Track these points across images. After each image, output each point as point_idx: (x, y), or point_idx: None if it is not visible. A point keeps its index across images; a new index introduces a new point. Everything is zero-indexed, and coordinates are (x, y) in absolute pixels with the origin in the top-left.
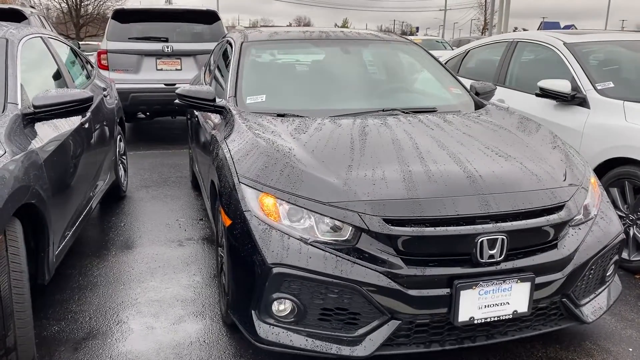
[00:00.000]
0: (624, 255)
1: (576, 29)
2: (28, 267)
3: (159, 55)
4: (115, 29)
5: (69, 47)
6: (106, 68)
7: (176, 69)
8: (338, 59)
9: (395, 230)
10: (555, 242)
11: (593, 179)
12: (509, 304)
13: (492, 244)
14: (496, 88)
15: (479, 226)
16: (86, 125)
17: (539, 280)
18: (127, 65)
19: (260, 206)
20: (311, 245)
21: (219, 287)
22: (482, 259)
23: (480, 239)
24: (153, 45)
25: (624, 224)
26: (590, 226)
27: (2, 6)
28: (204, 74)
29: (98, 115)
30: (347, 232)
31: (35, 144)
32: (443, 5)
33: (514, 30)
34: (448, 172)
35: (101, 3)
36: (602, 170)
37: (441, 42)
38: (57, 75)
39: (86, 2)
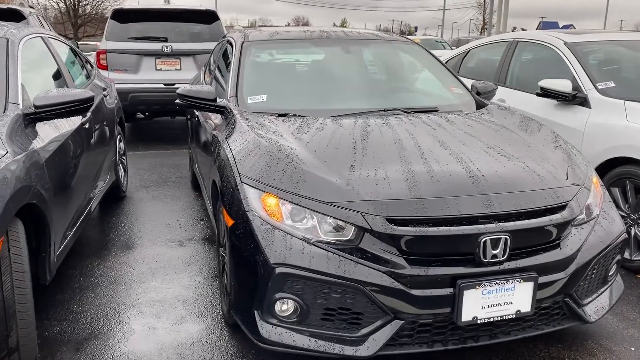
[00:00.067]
0: (625, 254)
1: (575, 28)
2: (29, 268)
3: (158, 55)
4: (115, 28)
5: (68, 47)
6: (105, 68)
7: (175, 69)
8: (339, 59)
9: (398, 230)
10: (558, 241)
11: (595, 178)
12: (512, 303)
13: (495, 243)
14: (497, 88)
15: (482, 226)
16: (87, 126)
17: (542, 279)
18: (127, 65)
19: (263, 206)
20: (314, 245)
21: (220, 288)
22: (485, 259)
23: (484, 239)
24: (152, 45)
25: (625, 224)
26: (592, 226)
27: (1, 6)
28: (204, 74)
29: (98, 115)
30: (349, 232)
31: (37, 144)
32: (441, 5)
33: (513, 30)
34: (451, 171)
35: (99, 3)
36: (603, 169)
37: (440, 42)
38: (58, 75)
39: (84, 2)
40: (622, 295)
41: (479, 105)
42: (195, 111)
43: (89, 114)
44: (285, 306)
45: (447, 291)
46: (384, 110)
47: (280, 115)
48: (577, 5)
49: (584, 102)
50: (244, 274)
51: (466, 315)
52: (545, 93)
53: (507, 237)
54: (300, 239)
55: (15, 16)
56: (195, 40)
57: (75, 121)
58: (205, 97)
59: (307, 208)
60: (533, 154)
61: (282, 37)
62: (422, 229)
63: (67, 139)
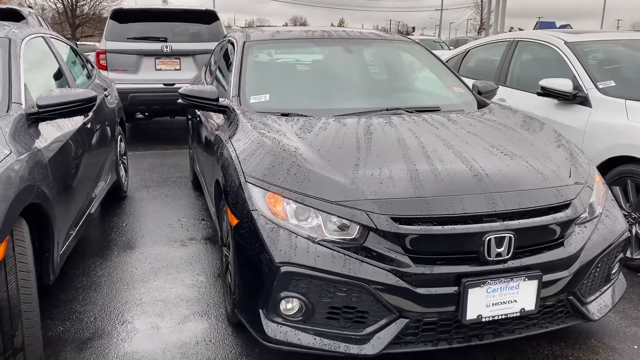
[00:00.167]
0: (627, 253)
1: (572, 28)
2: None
3: (157, 55)
4: (114, 29)
5: (69, 47)
6: (105, 68)
7: (175, 69)
8: (341, 59)
9: (403, 228)
10: (561, 240)
11: (597, 177)
12: (516, 301)
13: (499, 242)
14: (498, 87)
15: (487, 224)
16: (88, 125)
17: (546, 278)
18: (126, 65)
19: (267, 205)
20: (319, 244)
21: (224, 287)
22: (490, 257)
23: (488, 237)
24: (152, 45)
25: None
26: (595, 224)
27: (0, 6)
28: (204, 74)
29: (99, 115)
30: (354, 231)
31: (40, 143)
32: (439, 5)
33: (510, 30)
34: (454, 170)
35: (97, 3)
36: (604, 169)
37: (438, 42)
38: (60, 75)
39: (82, 3)
40: (624, 294)
41: (481, 105)
42: (196, 111)
43: (90, 114)
44: (290, 305)
45: (452, 289)
46: (387, 109)
47: (283, 114)
48: (574, 5)
49: (584, 101)
50: (249, 273)
51: (471, 314)
52: (546, 92)
53: (512, 235)
54: (305, 238)
55: (14, 16)
56: (195, 40)
57: (77, 121)
58: (208, 97)
59: (312, 207)
60: (536, 153)
61: (284, 36)
62: (426, 227)
63: (69, 139)
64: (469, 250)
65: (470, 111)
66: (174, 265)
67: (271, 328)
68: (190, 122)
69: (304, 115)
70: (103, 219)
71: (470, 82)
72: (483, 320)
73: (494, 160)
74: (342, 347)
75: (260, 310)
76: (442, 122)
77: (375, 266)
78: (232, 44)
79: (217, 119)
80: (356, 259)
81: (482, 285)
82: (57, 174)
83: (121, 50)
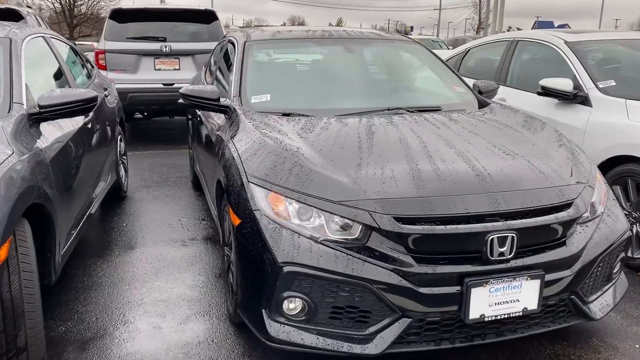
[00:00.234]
0: (627, 252)
1: (570, 27)
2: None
3: (157, 55)
4: (113, 28)
5: (69, 47)
6: (104, 68)
7: (174, 69)
8: (342, 58)
9: (406, 228)
10: (563, 239)
11: (599, 176)
12: (519, 301)
13: (502, 241)
14: (499, 87)
15: (489, 224)
16: (89, 126)
17: (549, 277)
18: (125, 65)
19: (270, 205)
20: (321, 244)
21: (225, 287)
22: (493, 257)
23: (491, 237)
24: (151, 45)
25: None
26: (597, 223)
27: None
28: (204, 74)
29: (100, 115)
30: (357, 231)
31: (41, 143)
32: (437, 4)
33: (508, 29)
34: (457, 170)
35: (95, 3)
36: (605, 168)
37: (437, 42)
38: (61, 75)
39: (79, 2)
40: (626, 293)
41: (481, 104)
42: (197, 111)
43: (91, 114)
44: (293, 305)
45: (455, 289)
46: (388, 109)
47: (285, 114)
48: (572, 5)
49: (585, 101)
50: (252, 273)
51: (474, 313)
52: (546, 92)
53: (514, 235)
54: (308, 238)
55: (13, 16)
56: (194, 40)
57: (78, 121)
58: (209, 97)
59: (314, 207)
60: (537, 153)
61: (284, 36)
62: (429, 227)
63: (70, 139)
64: (471, 250)
65: (472, 111)
66: (175, 265)
67: (274, 328)
68: (190, 122)
69: (305, 115)
70: (103, 219)
71: (470, 81)
72: (486, 319)
73: (496, 160)
74: (345, 347)
75: (263, 310)
76: (444, 121)
77: (378, 266)
78: (233, 43)
79: (218, 119)
80: (359, 258)
81: (484, 284)
82: (58, 174)
83: (120, 50)
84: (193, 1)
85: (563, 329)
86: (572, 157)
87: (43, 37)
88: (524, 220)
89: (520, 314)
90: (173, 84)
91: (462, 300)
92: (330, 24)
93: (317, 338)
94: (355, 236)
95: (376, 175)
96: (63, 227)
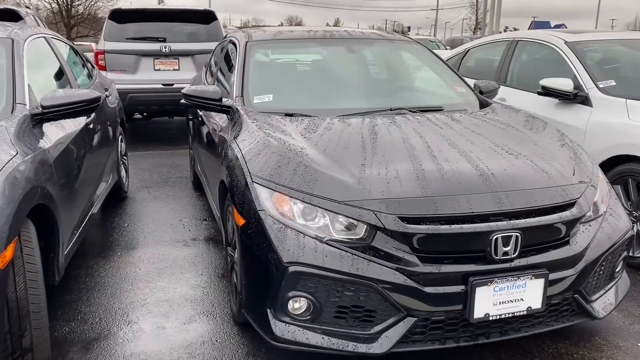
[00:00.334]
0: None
1: (566, 28)
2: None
3: (156, 55)
4: (113, 29)
5: (69, 47)
6: (104, 68)
7: (174, 69)
8: (343, 59)
9: (410, 228)
10: (567, 238)
11: (601, 175)
12: (523, 300)
13: (506, 241)
14: (499, 87)
15: (493, 223)
16: (91, 126)
17: (552, 276)
18: (125, 66)
19: (275, 205)
20: (326, 243)
21: (228, 287)
22: (497, 256)
23: (495, 236)
24: (151, 46)
25: None
26: (600, 223)
27: None
28: (205, 74)
29: (101, 115)
30: (361, 231)
31: (45, 144)
32: (434, 4)
33: (505, 30)
34: (460, 170)
35: (92, 3)
36: (605, 168)
37: (435, 42)
38: (63, 76)
39: (77, 3)
40: (628, 292)
41: (483, 104)
42: (198, 111)
43: (93, 115)
44: (298, 304)
45: (459, 288)
46: (390, 109)
47: (287, 114)
48: (569, 5)
49: (585, 100)
50: (256, 272)
51: (478, 312)
52: (547, 92)
53: (518, 234)
54: (313, 238)
55: (12, 16)
56: (194, 40)
57: (80, 122)
58: (211, 97)
59: (319, 207)
60: (540, 152)
61: (286, 36)
62: (434, 226)
63: (73, 140)
64: (476, 249)
65: (473, 111)
66: (177, 265)
67: (279, 327)
68: (191, 122)
69: (308, 116)
70: (105, 220)
71: (470, 81)
72: (490, 318)
73: (499, 160)
74: (350, 346)
75: (268, 310)
76: (446, 121)
77: (383, 265)
78: (234, 44)
79: (220, 119)
80: (364, 258)
81: (489, 284)
82: (61, 175)
83: (120, 51)
84: (191, 1)
85: (566, 327)
86: (574, 156)
87: (44, 37)
88: (527, 220)
89: (525, 313)
90: (173, 84)
91: (467, 299)
92: (327, 24)
93: (322, 337)
94: (360, 236)
95: (380, 175)
96: (66, 227)
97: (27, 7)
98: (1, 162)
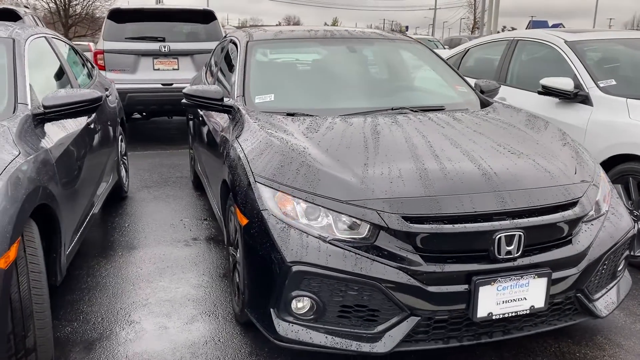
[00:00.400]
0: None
1: (564, 27)
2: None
3: (156, 55)
4: (112, 28)
5: (69, 47)
6: (103, 68)
7: (173, 69)
8: (344, 58)
9: (414, 227)
10: (569, 238)
11: (602, 174)
12: (526, 299)
13: (509, 240)
14: (500, 86)
15: (496, 223)
16: (92, 126)
17: (555, 275)
18: (124, 65)
19: (278, 205)
20: (330, 243)
21: (230, 287)
22: (500, 255)
23: (498, 236)
24: (150, 45)
25: None
26: (602, 222)
27: None
28: (205, 74)
29: (102, 115)
30: (364, 230)
31: (47, 144)
32: (432, 4)
33: (503, 29)
34: (463, 169)
35: (90, 3)
36: (606, 167)
37: (433, 41)
38: (63, 75)
39: (75, 2)
40: (630, 290)
41: (484, 104)
42: (199, 111)
43: (93, 114)
44: (301, 304)
45: (463, 287)
46: (392, 109)
47: (289, 114)
48: (567, 5)
49: (585, 100)
50: (260, 272)
51: (481, 311)
52: (547, 91)
53: (521, 233)
54: (316, 237)
55: (11, 16)
56: (193, 40)
57: (81, 122)
58: (213, 97)
59: (322, 206)
60: (542, 151)
61: (287, 36)
62: (437, 226)
63: (74, 139)
64: (479, 249)
65: (475, 110)
66: (178, 265)
67: (282, 327)
68: (191, 122)
69: (310, 115)
70: (105, 220)
71: (471, 81)
72: (493, 317)
73: (502, 159)
74: (353, 346)
75: (272, 310)
76: (448, 121)
77: (387, 265)
78: (235, 44)
79: (221, 119)
80: (367, 257)
81: (492, 283)
82: (63, 175)
83: (119, 50)
84: (189, 1)
85: (568, 326)
86: (576, 155)
87: (45, 37)
88: (530, 219)
89: (528, 312)
90: (172, 84)
91: (470, 298)
92: (325, 24)
93: (326, 337)
94: (363, 235)
95: (383, 174)
96: (68, 227)
97: (26, 7)
98: (4, 162)
